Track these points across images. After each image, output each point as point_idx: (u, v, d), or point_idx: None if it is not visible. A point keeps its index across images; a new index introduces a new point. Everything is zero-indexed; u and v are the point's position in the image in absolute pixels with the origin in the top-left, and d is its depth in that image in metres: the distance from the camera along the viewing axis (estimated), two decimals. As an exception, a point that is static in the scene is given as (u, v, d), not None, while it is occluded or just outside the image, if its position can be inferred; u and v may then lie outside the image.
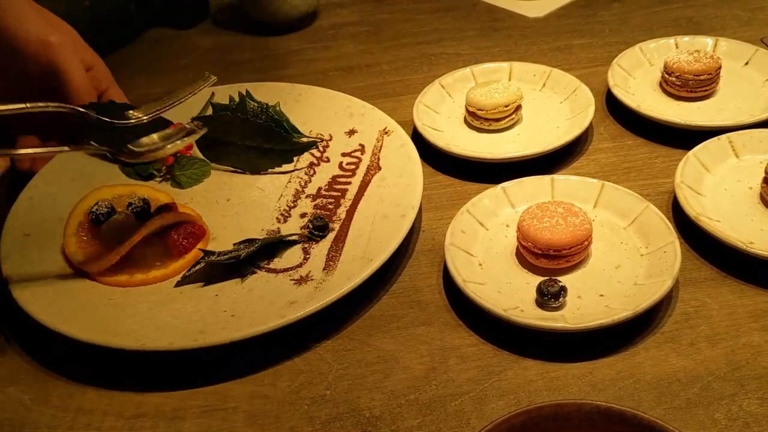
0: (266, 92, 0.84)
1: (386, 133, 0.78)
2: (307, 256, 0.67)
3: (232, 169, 0.79)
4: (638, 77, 0.88)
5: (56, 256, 0.69)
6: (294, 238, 0.69)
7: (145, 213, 0.70)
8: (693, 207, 0.66)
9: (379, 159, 0.76)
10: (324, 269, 0.65)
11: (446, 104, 0.86)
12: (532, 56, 0.96)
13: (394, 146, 0.76)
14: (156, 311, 0.63)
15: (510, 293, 0.63)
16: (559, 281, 0.61)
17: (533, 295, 0.61)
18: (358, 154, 0.78)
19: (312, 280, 0.64)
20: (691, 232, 0.67)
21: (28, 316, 0.62)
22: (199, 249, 0.68)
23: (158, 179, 0.79)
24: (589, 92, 0.82)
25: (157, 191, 0.75)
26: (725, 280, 0.64)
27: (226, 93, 0.83)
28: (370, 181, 0.74)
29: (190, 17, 1.12)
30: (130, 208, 0.71)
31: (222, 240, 0.70)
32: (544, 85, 0.87)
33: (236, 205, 0.75)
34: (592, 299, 0.61)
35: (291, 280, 0.65)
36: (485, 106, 0.79)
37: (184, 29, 1.11)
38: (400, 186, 0.71)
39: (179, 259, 0.68)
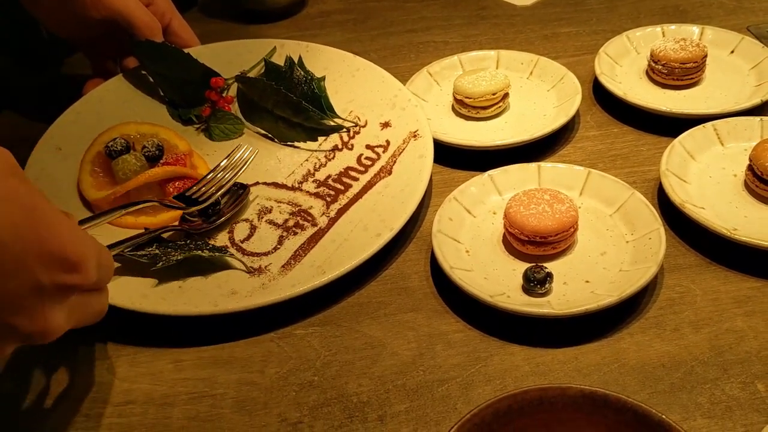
0: (329, 59, 0.84)
1: (414, 136, 0.75)
2: (278, 246, 0.67)
3: (264, 132, 0.80)
4: (625, 65, 0.88)
5: (72, 176, 0.71)
6: (235, 262, 0.66)
7: (156, 158, 0.72)
8: (678, 194, 0.67)
9: (394, 163, 0.73)
10: (283, 266, 0.65)
11: (434, 92, 0.86)
12: (520, 44, 0.96)
13: (414, 154, 0.73)
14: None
15: (497, 280, 0.63)
16: (546, 267, 0.61)
17: (520, 281, 0.62)
18: (380, 150, 0.75)
19: (266, 273, 0.64)
20: (677, 219, 0.68)
21: None
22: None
23: (196, 126, 0.81)
24: (576, 80, 0.82)
25: (179, 138, 0.76)
26: (709, 266, 0.64)
27: (292, 50, 0.83)
28: (375, 183, 0.72)
29: (179, 5, 1.11)
30: (143, 151, 0.72)
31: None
32: (531, 73, 0.87)
33: (249, 169, 0.74)
34: (577, 285, 0.62)
35: (248, 267, 0.65)
36: (472, 94, 0.80)
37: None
38: (396, 201, 0.69)
39: (170, 211, 0.69)
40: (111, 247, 0.62)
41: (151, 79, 0.83)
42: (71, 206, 0.70)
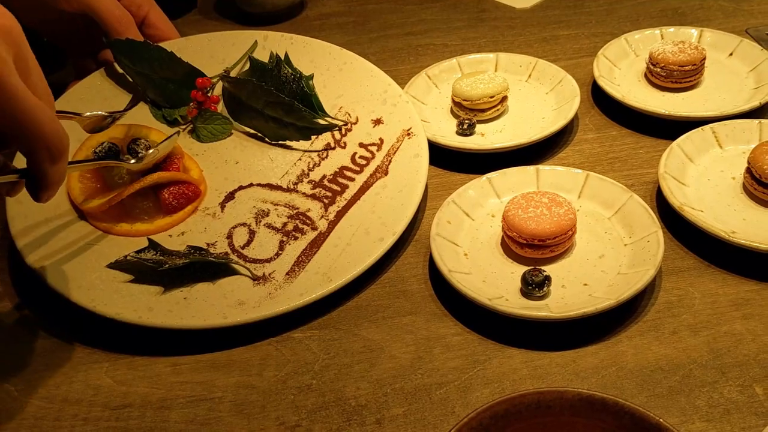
0: (314, 52, 0.83)
1: (408, 134, 0.74)
2: (280, 252, 0.67)
3: (253, 131, 0.79)
4: (623, 68, 0.88)
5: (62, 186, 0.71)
6: (239, 268, 0.66)
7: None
8: (676, 197, 0.67)
9: (390, 162, 0.73)
10: (287, 273, 0.65)
11: (433, 95, 0.86)
12: (519, 47, 0.96)
13: (409, 154, 0.73)
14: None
15: (495, 283, 0.63)
16: (544, 271, 0.61)
17: (518, 284, 0.62)
18: (374, 149, 0.75)
19: (271, 281, 0.64)
20: (675, 222, 0.68)
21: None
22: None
23: (182, 127, 0.79)
24: (575, 83, 0.82)
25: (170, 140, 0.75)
26: (708, 269, 0.64)
27: (276, 43, 0.82)
28: (372, 184, 0.71)
29: (177, 7, 1.12)
30: (132, 153, 0.70)
31: (210, 200, 0.72)
32: (530, 75, 0.87)
33: (242, 170, 0.75)
34: (575, 288, 0.62)
35: (253, 275, 0.65)
36: (471, 97, 0.80)
37: (171, 19, 1.10)
38: (396, 202, 0.69)
39: (166, 217, 0.69)
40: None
41: (131, 79, 0.80)
42: (63, 213, 0.68)
